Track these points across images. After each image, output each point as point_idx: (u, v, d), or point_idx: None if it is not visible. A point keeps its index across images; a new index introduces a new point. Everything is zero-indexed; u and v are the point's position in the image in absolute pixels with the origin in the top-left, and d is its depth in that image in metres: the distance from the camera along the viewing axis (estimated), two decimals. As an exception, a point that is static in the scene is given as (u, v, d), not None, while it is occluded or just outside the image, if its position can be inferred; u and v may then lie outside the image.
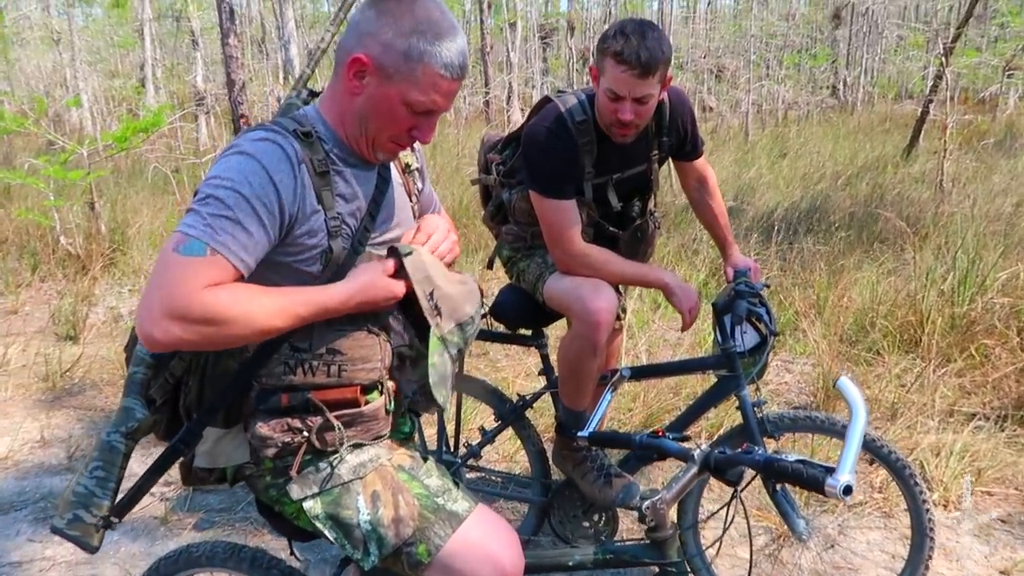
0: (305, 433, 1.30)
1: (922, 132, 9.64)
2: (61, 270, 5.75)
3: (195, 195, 1.18)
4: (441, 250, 1.41)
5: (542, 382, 2.41)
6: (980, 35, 18.35)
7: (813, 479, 1.12)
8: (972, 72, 14.55)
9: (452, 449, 2.50)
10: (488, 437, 2.46)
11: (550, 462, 2.43)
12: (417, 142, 1.33)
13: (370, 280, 1.28)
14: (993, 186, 7.36)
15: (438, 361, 1.36)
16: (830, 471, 1.12)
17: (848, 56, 21.62)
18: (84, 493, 1.31)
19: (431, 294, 1.33)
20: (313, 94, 1.41)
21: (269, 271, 1.24)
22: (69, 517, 1.31)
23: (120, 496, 1.37)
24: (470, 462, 2.47)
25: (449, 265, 1.48)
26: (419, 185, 1.53)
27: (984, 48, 16.32)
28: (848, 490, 1.07)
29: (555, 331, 2.43)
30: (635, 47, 1.85)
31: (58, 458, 3.22)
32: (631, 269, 2.14)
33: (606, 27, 2.16)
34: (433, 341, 1.35)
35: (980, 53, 13.99)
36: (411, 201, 1.48)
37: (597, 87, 2.00)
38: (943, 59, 8.09)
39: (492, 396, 2.45)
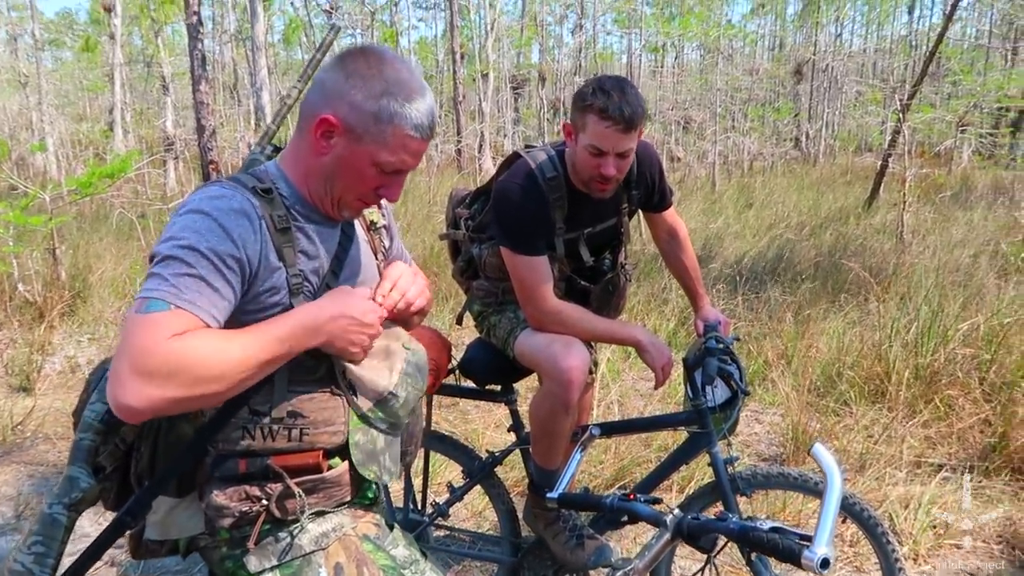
0: (264, 501, 1.24)
1: (882, 184, 9.93)
2: (17, 318, 5.59)
3: (151, 259, 1.13)
4: (409, 296, 1.36)
5: (512, 436, 2.37)
6: (934, 92, 19.07)
7: (789, 551, 1.09)
8: (928, 127, 15.07)
9: (419, 507, 2.44)
10: (457, 495, 2.40)
11: (520, 520, 2.37)
12: (384, 200, 1.31)
13: (349, 299, 1.24)
14: (951, 237, 7.57)
15: (361, 439, 1.32)
16: (806, 541, 1.09)
17: (810, 110, 22.35)
18: (21, 571, 1.23)
19: (343, 372, 1.30)
20: (277, 149, 1.39)
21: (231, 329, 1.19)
22: None
23: (60, 572, 1.29)
24: (438, 520, 2.41)
25: (421, 312, 1.44)
26: (385, 243, 1.51)
27: (938, 104, 16.94)
28: (825, 563, 1.04)
29: (525, 385, 2.40)
30: (618, 103, 1.87)
31: (5, 517, 3.07)
32: (603, 326, 2.13)
33: (577, 79, 2.20)
34: (353, 420, 1.31)
35: (935, 109, 14.51)
36: (376, 259, 1.46)
37: (572, 143, 2.01)
38: (900, 115, 8.38)
39: (461, 453, 2.40)
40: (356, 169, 1.24)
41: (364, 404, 1.33)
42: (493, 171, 2.28)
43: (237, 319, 1.18)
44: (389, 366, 1.36)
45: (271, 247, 1.20)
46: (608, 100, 1.87)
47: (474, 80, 18.84)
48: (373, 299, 1.31)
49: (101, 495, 1.30)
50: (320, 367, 1.27)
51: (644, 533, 2.94)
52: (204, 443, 1.23)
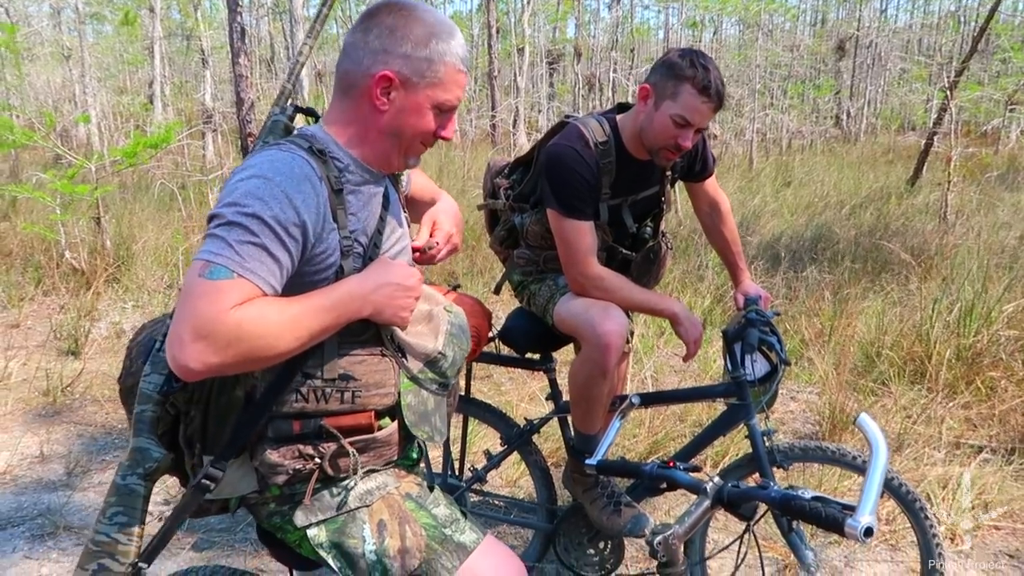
0: (317, 460, 1.28)
1: (925, 164, 9.68)
2: (64, 284, 5.74)
3: (211, 219, 1.15)
4: (455, 239, 1.59)
5: (549, 406, 2.39)
6: (982, 69, 18.49)
7: (832, 519, 1.09)
8: (974, 106, 14.64)
9: (457, 473, 2.47)
10: (494, 462, 2.43)
11: (556, 488, 2.40)
12: (444, 137, 1.36)
13: (389, 267, 1.29)
14: (997, 219, 7.38)
15: (413, 401, 1.36)
16: (849, 510, 1.09)
17: (852, 87, 21.79)
18: (107, 541, 1.24)
19: (391, 337, 1.34)
20: (298, 109, 1.42)
21: (283, 289, 1.22)
22: (94, 568, 1.24)
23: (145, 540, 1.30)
24: (475, 487, 2.45)
25: (453, 250, 1.58)
26: (403, 191, 1.56)
27: (986, 82, 16.43)
28: (869, 532, 1.04)
29: (563, 357, 2.42)
30: (715, 81, 1.91)
31: (57, 474, 3.19)
32: (642, 296, 2.14)
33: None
34: (404, 382, 1.35)
35: (982, 87, 14.08)
36: (404, 212, 1.50)
37: (646, 107, 2.01)
38: (948, 92, 8.15)
39: (498, 420, 2.42)
40: (419, 116, 1.28)
41: (415, 366, 1.37)
42: (527, 146, 2.28)
43: (294, 280, 1.20)
44: (434, 328, 1.41)
45: (328, 209, 1.22)
46: (708, 76, 1.90)
47: (509, 55, 18.69)
48: (421, 248, 1.46)
49: (172, 465, 1.32)
50: (367, 330, 1.30)
51: (677, 506, 2.96)
52: (268, 406, 1.25)
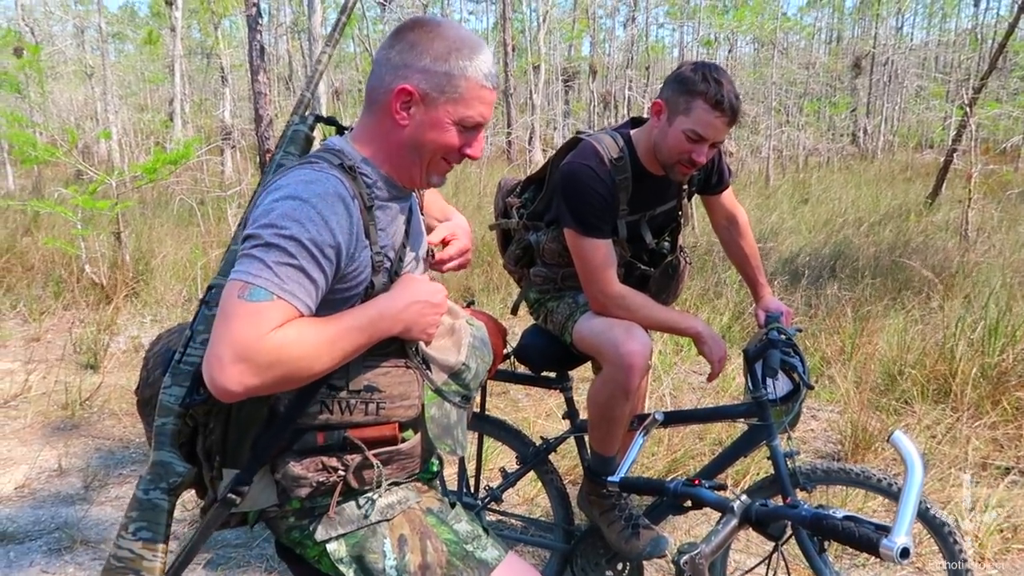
0: (341, 472, 1.26)
1: (945, 181, 9.61)
2: (84, 299, 5.79)
3: (247, 239, 1.14)
4: (466, 254, 1.58)
5: (565, 424, 2.37)
6: (1001, 87, 18.38)
7: (867, 540, 1.06)
8: (993, 123, 14.55)
9: (472, 491, 2.45)
10: (510, 480, 2.40)
11: (573, 508, 2.36)
12: (469, 156, 1.34)
13: (416, 284, 1.29)
14: (1019, 237, 7.29)
15: (436, 414, 1.36)
16: (883, 531, 1.06)
17: (868, 105, 21.72)
18: (131, 557, 1.21)
19: (415, 349, 1.34)
20: (319, 118, 1.42)
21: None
22: None
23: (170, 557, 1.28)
24: (491, 505, 2.42)
25: (463, 265, 1.59)
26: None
27: (1004, 100, 16.33)
28: (906, 553, 1.01)
29: (579, 375, 2.39)
30: (728, 95, 1.88)
31: (75, 488, 3.19)
32: (664, 315, 2.11)
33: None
34: (428, 395, 1.35)
35: (1001, 104, 13.99)
36: (424, 219, 1.50)
37: (660, 122, 1.99)
38: (967, 109, 8.09)
39: (514, 438, 2.40)
40: (439, 131, 1.27)
41: (439, 378, 1.37)
42: (541, 163, 2.27)
43: (325, 297, 1.20)
44: (456, 341, 1.41)
45: (361, 227, 1.22)
46: (720, 90, 1.87)
47: (525, 73, 18.80)
48: (436, 261, 1.47)
49: (196, 479, 1.30)
50: (392, 343, 1.29)
51: (696, 527, 2.91)
52: (292, 419, 1.24)
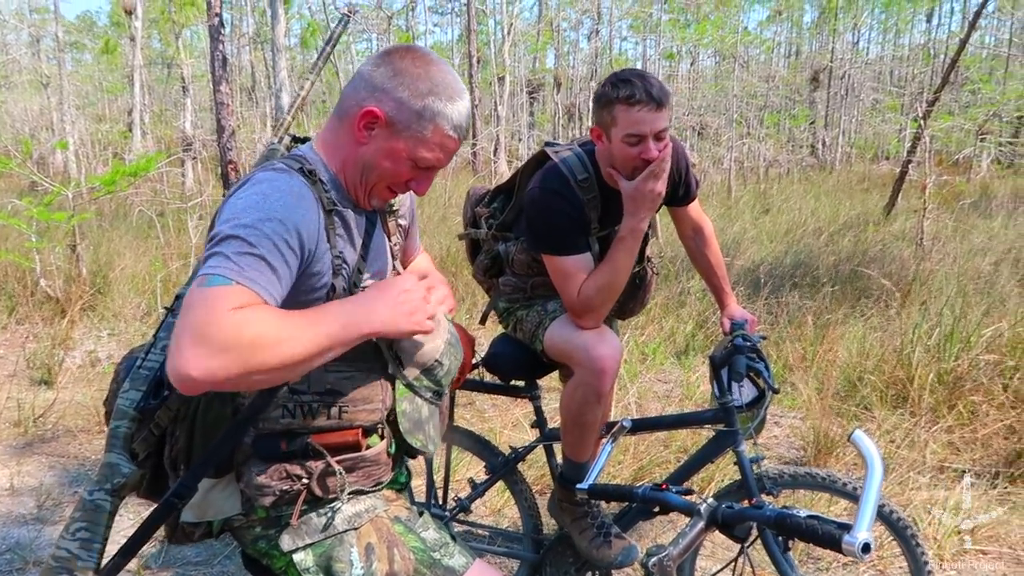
0: (305, 480, 1.25)
1: (900, 192, 9.86)
2: (39, 313, 5.63)
3: (210, 240, 1.12)
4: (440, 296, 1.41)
5: (532, 434, 2.36)
6: (953, 100, 18.96)
7: (829, 536, 1.08)
8: (946, 135, 14.98)
9: (441, 502, 2.43)
10: (479, 491, 2.39)
11: (542, 517, 2.36)
12: (413, 193, 1.34)
13: (383, 283, 1.26)
14: (972, 245, 7.49)
15: (408, 408, 1.36)
16: (845, 528, 1.08)
17: (826, 117, 22.24)
18: (67, 556, 1.20)
19: (389, 345, 1.33)
20: (296, 139, 1.42)
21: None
22: None
23: (106, 559, 1.27)
24: (459, 516, 2.40)
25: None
26: (403, 223, 1.52)
27: (957, 112, 16.85)
28: (867, 548, 1.03)
29: (547, 382, 2.40)
30: (641, 86, 1.88)
31: (27, 507, 3.09)
32: (621, 257, 1.99)
33: (592, 84, 2.18)
34: (400, 388, 1.35)
35: (953, 117, 14.43)
36: (391, 241, 1.47)
37: (604, 144, 1.99)
38: (921, 122, 8.32)
39: (483, 448, 2.39)
40: (393, 161, 1.26)
41: (411, 373, 1.36)
42: (508, 174, 2.26)
43: (289, 299, 1.17)
44: (434, 335, 1.38)
45: (322, 228, 1.22)
46: (631, 87, 1.88)
47: (490, 84, 18.89)
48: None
49: (141, 482, 1.28)
50: (365, 343, 1.26)
51: (663, 535, 2.93)
52: (250, 423, 1.24)
